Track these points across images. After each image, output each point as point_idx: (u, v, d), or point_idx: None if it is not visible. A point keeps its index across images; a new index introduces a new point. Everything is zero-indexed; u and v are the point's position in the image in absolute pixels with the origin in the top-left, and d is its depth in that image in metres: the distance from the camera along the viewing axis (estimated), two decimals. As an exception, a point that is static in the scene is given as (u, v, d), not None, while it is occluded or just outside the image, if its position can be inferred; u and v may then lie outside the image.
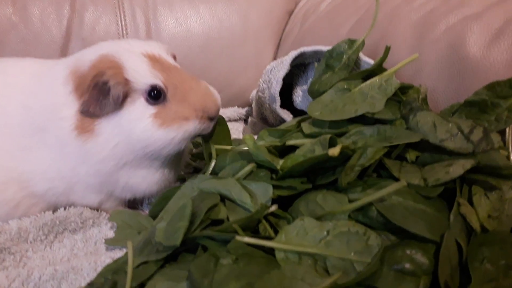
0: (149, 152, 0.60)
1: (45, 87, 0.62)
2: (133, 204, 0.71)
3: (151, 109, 0.59)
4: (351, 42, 0.67)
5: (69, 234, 0.63)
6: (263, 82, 0.87)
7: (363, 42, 0.66)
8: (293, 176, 0.47)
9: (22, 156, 0.62)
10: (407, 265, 0.36)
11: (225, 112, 1.19)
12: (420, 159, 0.49)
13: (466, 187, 0.46)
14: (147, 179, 0.64)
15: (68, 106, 0.59)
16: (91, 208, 0.68)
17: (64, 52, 1.00)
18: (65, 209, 0.65)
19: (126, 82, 0.57)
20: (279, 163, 0.48)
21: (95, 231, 0.63)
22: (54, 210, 0.65)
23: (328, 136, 0.48)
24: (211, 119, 0.62)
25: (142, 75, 0.59)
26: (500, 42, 0.59)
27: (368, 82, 0.57)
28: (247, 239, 0.39)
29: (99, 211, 0.68)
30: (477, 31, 0.63)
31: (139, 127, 0.59)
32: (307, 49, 0.75)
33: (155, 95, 0.59)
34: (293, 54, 0.76)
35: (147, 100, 0.59)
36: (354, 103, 0.53)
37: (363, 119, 0.53)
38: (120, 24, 1.08)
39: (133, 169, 0.62)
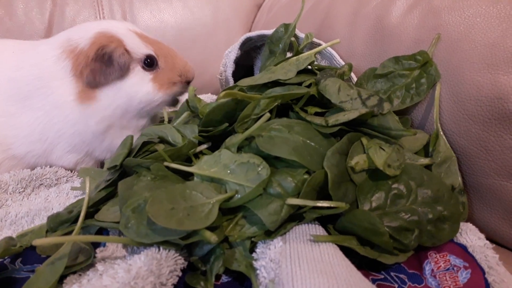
0: (144, 111, 0.75)
1: (30, 62, 0.72)
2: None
3: (148, 75, 0.73)
4: (286, 26, 0.77)
5: (45, 188, 0.73)
6: (222, 66, 0.97)
7: (294, 26, 0.75)
8: (215, 122, 0.56)
9: (5, 122, 0.72)
10: (276, 189, 0.45)
11: (201, 98, 1.28)
12: (327, 114, 0.58)
13: (364, 140, 0.54)
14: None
15: (62, 80, 0.69)
16: (65, 169, 0.76)
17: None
18: (42, 168, 0.74)
19: (127, 52, 0.68)
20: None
21: (67, 185, 0.73)
22: (32, 169, 0.74)
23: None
24: (188, 83, 0.79)
25: (138, 46, 0.72)
26: (414, 11, 0.69)
27: (288, 60, 0.67)
28: (166, 163, 0.49)
29: (73, 171, 0.77)
30: (398, 4, 0.73)
31: (142, 91, 0.73)
32: (252, 34, 0.86)
33: (149, 63, 0.72)
34: (241, 39, 0.86)
35: (143, 68, 0.72)
36: (273, 74, 0.63)
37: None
38: (98, 17, 1.18)
39: (119, 129, 0.75)
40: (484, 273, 0.46)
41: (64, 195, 0.70)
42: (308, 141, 0.49)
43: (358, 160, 0.50)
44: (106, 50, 0.69)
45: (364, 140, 0.53)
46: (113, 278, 0.39)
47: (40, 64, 0.71)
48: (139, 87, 0.73)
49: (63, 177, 0.75)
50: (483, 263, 0.47)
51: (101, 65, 0.69)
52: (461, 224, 0.52)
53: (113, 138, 0.75)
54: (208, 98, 1.33)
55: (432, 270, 0.48)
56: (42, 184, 0.73)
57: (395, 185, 0.51)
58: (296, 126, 0.51)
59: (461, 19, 0.62)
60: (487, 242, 0.50)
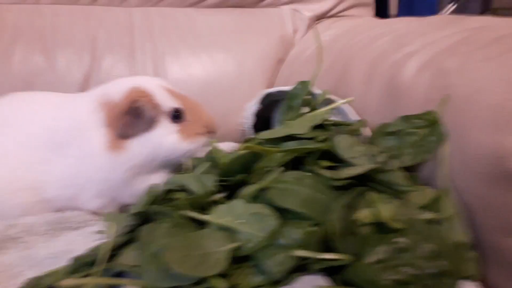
0: (170, 159, 0.80)
1: (68, 113, 0.80)
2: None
3: (174, 127, 0.80)
4: (303, 84, 0.83)
5: (70, 231, 0.77)
6: (244, 118, 1.02)
7: (311, 84, 0.81)
8: (233, 172, 0.60)
9: (40, 167, 0.79)
10: (284, 239, 0.48)
11: (223, 146, 1.34)
12: (338, 169, 0.61)
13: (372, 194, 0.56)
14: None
15: (96, 130, 0.76)
16: (91, 213, 0.82)
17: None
18: (68, 211, 0.79)
19: (156, 106, 0.75)
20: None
21: (91, 229, 0.77)
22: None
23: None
24: (213, 133, 0.85)
25: (167, 101, 0.79)
26: (425, 71, 0.73)
27: (304, 116, 0.72)
28: (185, 212, 0.53)
29: (98, 215, 0.82)
30: (410, 64, 0.77)
31: (168, 140, 0.79)
32: (272, 90, 0.92)
33: (177, 115, 0.78)
34: (261, 94, 0.92)
35: (171, 120, 0.78)
36: (289, 128, 0.68)
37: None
38: (132, 70, 1.28)
39: (146, 176, 0.79)
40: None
41: (88, 238, 0.74)
42: (316, 194, 0.52)
43: (365, 214, 0.53)
44: (138, 104, 0.76)
45: (372, 195, 0.56)
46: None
47: (77, 115, 0.78)
48: (165, 138, 0.79)
49: (89, 220, 0.80)
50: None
51: (133, 118, 0.76)
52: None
53: (138, 185, 0.80)
54: (230, 146, 1.39)
55: None
56: (68, 227, 0.78)
57: (399, 239, 0.53)
58: (306, 179, 0.54)
59: (468, 81, 0.65)
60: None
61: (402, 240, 0.52)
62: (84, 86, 1.24)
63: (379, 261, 0.51)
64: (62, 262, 0.65)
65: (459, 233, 0.59)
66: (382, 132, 0.71)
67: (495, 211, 0.57)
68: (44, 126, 0.80)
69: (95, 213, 0.83)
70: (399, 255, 0.52)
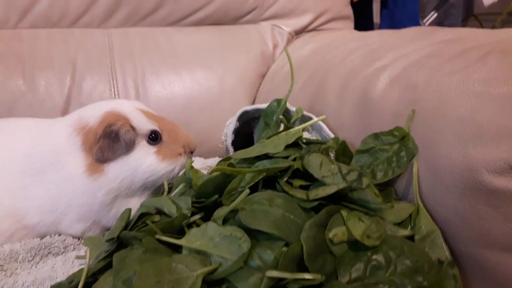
0: (149, 181, 0.81)
1: (45, 139, 0.80)
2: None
3: (152, 148, 0.80)
4: (278, 101, 0.84)
5: (52, 256, 0.77)
6: (223, 135, 1.03)
7: (285, 101, 0.83)
8: (207, 193, 0.61)
9: (20, 194, 0.79)
10: (256, 261, 0.48)
11: (207, 162, 1.34)
12: (310, 188, 0.62)
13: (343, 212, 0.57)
14: (135, 207, 0.79)
15: (73, 155, 0.76)
16: (73, 237, 0.81)
17: (64, 115, 1.18)
18: (50, 236, 0.79)
19: (133, 129, 0.76)
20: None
21: (74, 253, 0.77)
22: (41, 238, 0.79)
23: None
24: (191, 152, 0.86)
25: (143, 123, 0.79)
26: (394, 85, 0.75)
27: (278, 135, 0.73)
28: (157, 236, 0.53)
29: (80, 239, 0.82)
30: (381, 79, 0.79)
31: (146, 162, 0.79)
32: (249, 108, 0.93)
33: (154, 137, 0.80)
34: (238, 112, 0.94)
35: (148, 142, 0.80)
36: (263, 147, 0.68)
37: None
38: (113, 90, 1.29)
39: (126, 199, 0.80)
40: None
41: (70, 264, 0.74)
42: (287, 214, 0.53)
43: (336, 232, 0.53)
44: (113, 128, 0.76)
45: (344, 213, 0.56)
46: None
47: (54, 141, 0.78)
48: (143, 160, 0.79)
49: (71, 245, 0.80)
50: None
51: (109, 142, 0.76)
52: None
53: (120, 208, 0.80)
54: (215, 161, 1.39)
55: None
56: (50, 252, 0.78)
57: (374, 256, 0.53)
58: (277, 199, 0.55)
59: (434, 94, 0.67)
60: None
61: (377, 258, 0.53)
62: (65, 108, 1.24)
63: (354, 280, 0.51)
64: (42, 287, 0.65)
65: (438, 250, 0.59)
66: (346, 151, 0.72)
67: (469, 224, 0.58)
68: (21, 152, 0.80)
69: (78, 237, 0.83)
70: (375, 272, 0.52)
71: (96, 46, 1.33)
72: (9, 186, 0.79)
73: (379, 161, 0.68)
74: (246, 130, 1.08)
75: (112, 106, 0.81)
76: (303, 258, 0.51)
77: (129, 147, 0.77)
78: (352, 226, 0.54)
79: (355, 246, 0.54)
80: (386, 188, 0.69)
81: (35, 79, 1.24)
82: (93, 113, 0.80)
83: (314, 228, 0.52)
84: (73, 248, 0.80)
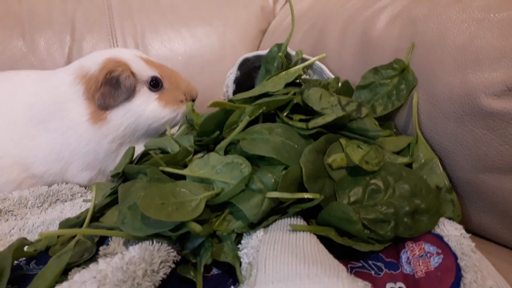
0: (152, 128, 0.82)
1: (47, 89, 0.81)
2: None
3: (154, 95, 0.81)
4: (279, 46, 0.84)
5: (60, 203, 0.79)
6: (224, 87, 1.03)
7: (286, 45, 0.82)
8: (209, 131, 0.62)
9: (25, 144, 0.80)
10: (257, 184, 0.49)
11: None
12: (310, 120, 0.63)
13: (342, 140, 0.58)
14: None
15: (76, 102, 0.77)
16: (80, 185, 0.83)
17: (66, 74, 1.19)
18: (58, 185, 0.81)
19: (133, 75, 0.76)
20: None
21: (81, 200, 0.79)
22: (49, 186, 0.81)
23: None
24: (193, 100, 0.87)
25: (143, 69, 0.79)
26: (395, 22, 0.74)
27: (278, 75, 0.73)
28: (161, 168, 0.54)
29: (87, 188, 0.84)
30: (381, 18, 0.78)
31: (149, 109, 0.80)
32: (249, 55, 0.92)
33: (155, 83, 0.80)
34: (239, 60, 0.93)
35: (149, 88, 0.80)
36: (263, 87, 0.69)
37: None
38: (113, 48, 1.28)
39: (132, 145, 0.80)
40: (456, 258, 0.48)
41: (78, 208, 0.76)
42: (286, 141, 0.54)
43: (335, 158, 0.54)
44: (114, 74, 0.77)
45: (343, 141, 0.57)
46: (108, 263, 0.44)
47: (56, 89, 0.79)
48: (146, 106, 0.80)
49: (78, 192, 0.82)
50: (457, 250, 0.49)
51: (110, 88, 0.77)
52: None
53: None
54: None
55: (408, 258, 0.51)
56: (58, 199, 0.80)
57: (373, 181, 0.54)
58: (276, 129, 0.56)
59: (434, 26, 0.66)
60: (464, 232, 0.52)
61: (375, 182, 0.54)
62: (66, 68, 1.24)
63: (353, 202, 0.52)
64: (53, 229, 0.67)
65: (436, 177, 0.60)
66: (348, 87, 0.72)
67: (467, 149, 0.59)
68: (25, 102, 0.81)
69: (85, 186, 0.85)
70: (373, 195, 0.53)
71: (94, 4, 1.32)
72: (15, 136, 0.80)
73: (379, 96, 0.68)
74: (247, 83, 1.08)
75: (112, 53, 0.81)
76: (302, 183, 0.52)
77: (130, 93, 0.78)
78: (351, 152, 0.54)
79: (354, 171, 0.55)
80: (385, 123, 0.70)
81: (35, 39, 1.24)
82: (93, 60, 0.80)
83: (313, 153, 0.53)
84: (80, 195, 0.82)
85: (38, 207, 0.77)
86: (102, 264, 0.44)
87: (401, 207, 0.52)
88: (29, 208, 0.76)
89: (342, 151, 0.56)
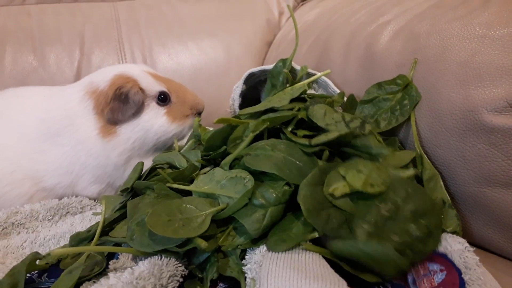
0: (160, 142, 0.84)
1: (57, 105, 0.83)
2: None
3: (162, 110, 0.83)
4: (284, 61, 0.85)
5: (71, 216, 0.81)
6: (230, 100, 1.05)
7: (291, 60, 0.84)
8: (215, 146, 0.64)
9: (37, 158, 0.82)
10: (259, 200, 0.51)
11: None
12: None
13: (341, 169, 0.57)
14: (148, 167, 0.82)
15: (86, 118, 0.79)
16: (89, 198, 0.85)
17: (75, 88, 1.21)
18: (68, 197, 0.83)
19: (142, 90, 0.78)
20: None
21: (91, 213, 0.81)
22: (60, 199, 0.84)
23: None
24: (199, 114, 0.89)
25: (152, 84, 0.82)
26: (398, 37, 0.76)
27: (284, 90, 0.75)
28: (168, 184, 0.56)
29: (96, 201, 0.86)
30: (385, 33, 0.80)
31: (157, 123, 0.82)
32: (255, 70, 0.94)
33: (163, 98, 0.82)
34: (245, 74, 0.95)
35: (157, 103, 0.83)
36: (269, 102, 0.70)
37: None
38: (121, 62, 1.31)
39: (140, 160, 0.82)
40: (460, 273, 0.49)
41: (87, 221, 0.78)
42: (288, 157, 0.55)
43: (336, 186, 0.51)
44: (123, 90, 0.79)
45: (341, 170, 0.54)
46: (118, 278, 0.46)
47: (66, 105, 0.82)
48: (154, 121, 0.82)
49: (87, 205, 0.84)
50: (461, 264, 0.50)
51: (119, 104, 0.79)
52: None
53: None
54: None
55: (414, 279, 0.51)
56: (68, 212, 0.82)
57: (382, 205, 0.52)
58: (279, 145, 0.57)
59: (436, 41, 0.68)
60: (468, 245, 0.53)
61: (385, 207, 0.51)
62: (76, 81, 1.27)
63: (371, 234, 0.49)
64: (64, 242, 0.69)
65: (441, 193, 0.61)
66: (353, 102, 0.74)
67: (470, 163, 0.60)
68: (36, 117, 0.83)
69: (94, 199, 0.87)
70: (387, 223, 0.51)
71: (102, 19, 1.35)
72: (27, 150, 0.83)
73: (382, 110, 0.70)
74: (253, 96, 1.10)
75: (120, 69, 0.83)
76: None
77: (139, 108, 0.80)
78: (352, 179, 0.52)
79: (360, 196, 0.53)
80: (389, 138, 0.71)
81: (45, 53, 1.27)
82: (103, 77, 0.82)
83: (309, 187, 0.51)
84: (90, 208, 0.84)
85: (49, 220, 0.79)
86: (112, 279, 0.45)
87: (414, 233, 0.50)
88: (40, 221, 0.78)
89: (341, 178, 0.53)
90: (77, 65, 1.29)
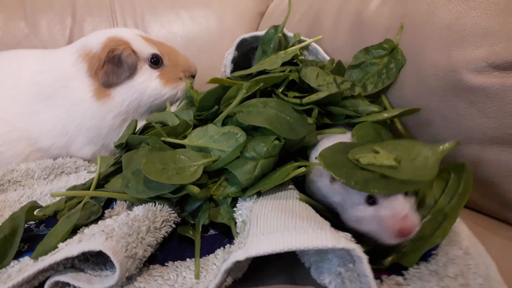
0: (154, 104, 0.86)
1: (51, 66, 0.85)
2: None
3: (155, 72, 0.85)
4: (275, 28, 0.87)
5: (65, 175, 0.84)
6: (222, 67, 1.07)
7: (283, 26, 0.86)
8: (208, 106, 0.67)
9: (32, 119, 0.84)
10: (250, 153, 0.54)
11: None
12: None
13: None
14: None
15: (80, 80, 0.81)
16: (83, 160, 0.88)
17: (67, 55, 1.22)
18: (63, 158, 0.85)
19: (134, 53, 0.80)
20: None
21: (85, 173, 0.83)
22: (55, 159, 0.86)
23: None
24: (193, 76, 0.91)
25: (144, 47, 0.83)
26: (386, 3, 0.78)
27: (276, 54, 0.77)
28: (163, 138, 0.58)
29: (90, 162, 0.88)
30: (374, -1, 0.82)
31: (151, 86, 0.84)
32: (247, 36, 0.96)
33: (155, 61, 0.84)
34: (237, 40, 0.97)
35: (150, 66, 0.84)
36: (261, 65, 0.73)
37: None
38: (113, 30, 1.31)
39: None
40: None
41: (82, 180, 0.81)
42: (279, 113, 0.58)
43: (365, 158, 0.47)
44: (116, 53, 0.81)
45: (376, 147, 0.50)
46: (114, 220, 0.49)
47: (60, 67, 0.83)
48: (148, 83, 0.84)
49: (81, 166, 0.87)
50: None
51: (113, 66, 0.81)
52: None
53: None
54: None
55: None
56: (63, 172, 0.85)
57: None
58: (271, 102, 0.60)
59: (423, 6, 0.70)
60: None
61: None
62: (67, 49, 1.28)
63: None
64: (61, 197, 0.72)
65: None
66: (342, 67, 0.76)
67: (450, 122, 0.63)
68: (30, 80, 0.85)
69: (88, 160, 0.90)
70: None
71: (94, -14, 1.35)
72: (21, 112, 0.85)
73: (369, 75, 0.72)
74: (244, 64, 1.11)
75: (113, 32, 0.85)
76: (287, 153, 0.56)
77: (132, 70, 0.82)
78: (383, 155, 0.47)
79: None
80: (377, 99, 0.74)
81: (37, 20, 1.27)
82: (95, 39, 0.84)
83: (330, 151, 0.49)
84: (84, 169, 0.87)
85: (44, 178, 0.82)
86: (109, 220, 0.49)
87: None
88: (36, 179, 0.81)
89: (372, 152, 0.48)
90: (69, 32, 1.29)
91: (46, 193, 0.73)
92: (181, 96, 0.89)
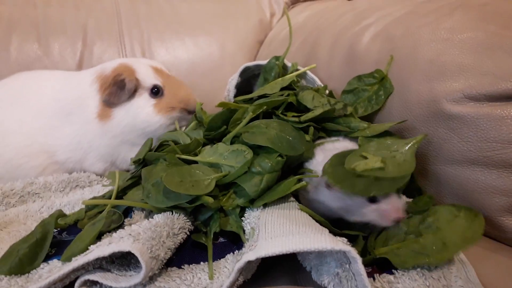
0: (148, 131, 0.91)
1: (72, 86, 0.93)
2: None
3: (152, 101, 0.91)
4: (277, 58, 0.96)
5: (80, 188, 0.90)
6: (226, 91, 1.15)
7: (283, 57, 0.95)
8: (216, 127, 0.74)
9: (51, 133, 0.91)
10: (256, 168, 0.61)
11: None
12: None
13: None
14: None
15: (93, 99, 0.89)
16: (96, 174, 0.94)
17: (77, 76, 1.30)
18: (77, 172, 0.92)
19: (137, 80, 0.87)
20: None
21: (98, 186, 0.90)
22: (70, 173, 0.92)
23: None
24: (189, 112, 0.93)
25: (148, 77, 0.91)
26: (377, 39, 0.87)
27: (275, 81, 0.86)
28: (178, 155, 0.66)
29: (102, 177, 0.95)
30: (366, 34, 0.92)
31: (143, 112, 0.91)
32: (250, 64, 1.04)
33: (156, 91, 0.90)
34: (241, 68, 1.05)
35: (150, 95, 0.90)
36: (262, 90, 0.81)
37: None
38: (121, 54, 1.40)
39: (130, 146, 0.91)
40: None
41: (96, 193, 0.87)
42: (280, 133, 0.66)
43: (358, 163, 0.54)
44: (121, 77, 0.88)
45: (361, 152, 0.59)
46: (139, 225, 0.55)
47: (79, 87, 0.91)
48: (142, 109, 0.90)
49: (94, 180, 0.93)
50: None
51: (117, 89, 0.88)
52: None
53: (126, 153, 0.93)
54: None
55: None
56: (77, 185, 0.91)
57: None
58: (272, 123, 0.68)
59: (409, 43, 0.79)
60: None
61: None
62: (77, 70, 1.35)
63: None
64: (78, 208, 0.78)
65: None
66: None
67: (433, 145, 0.71)
68: (52, 97, 0.92)
69: (100, 175, 0.96)
70: None
71: (104, 12, 1.44)
72: (43, 127, 0.92)
73: (361, 100, 0.81)
74: (246, 89, 1.20)
75: (126, 60, 0.93)
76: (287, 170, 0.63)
77: (131, 95, 0.89)
78: (372, 160, 0.54)
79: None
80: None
81: (50, 43, 1.35)
82: (110, 64, 0.92)
83: (331, 167, 0.56)
84: (97, 183, 0.93)
85: (60, 191, 0.88)
86: (134, 226, 0.55)
87: None
88: (53, 192, 0.87)
89: (361, 158, 0.56)
90: (79, 55, 1.37)
91: (65, 203, 0.79)
92: (172, 123, 0.93)
